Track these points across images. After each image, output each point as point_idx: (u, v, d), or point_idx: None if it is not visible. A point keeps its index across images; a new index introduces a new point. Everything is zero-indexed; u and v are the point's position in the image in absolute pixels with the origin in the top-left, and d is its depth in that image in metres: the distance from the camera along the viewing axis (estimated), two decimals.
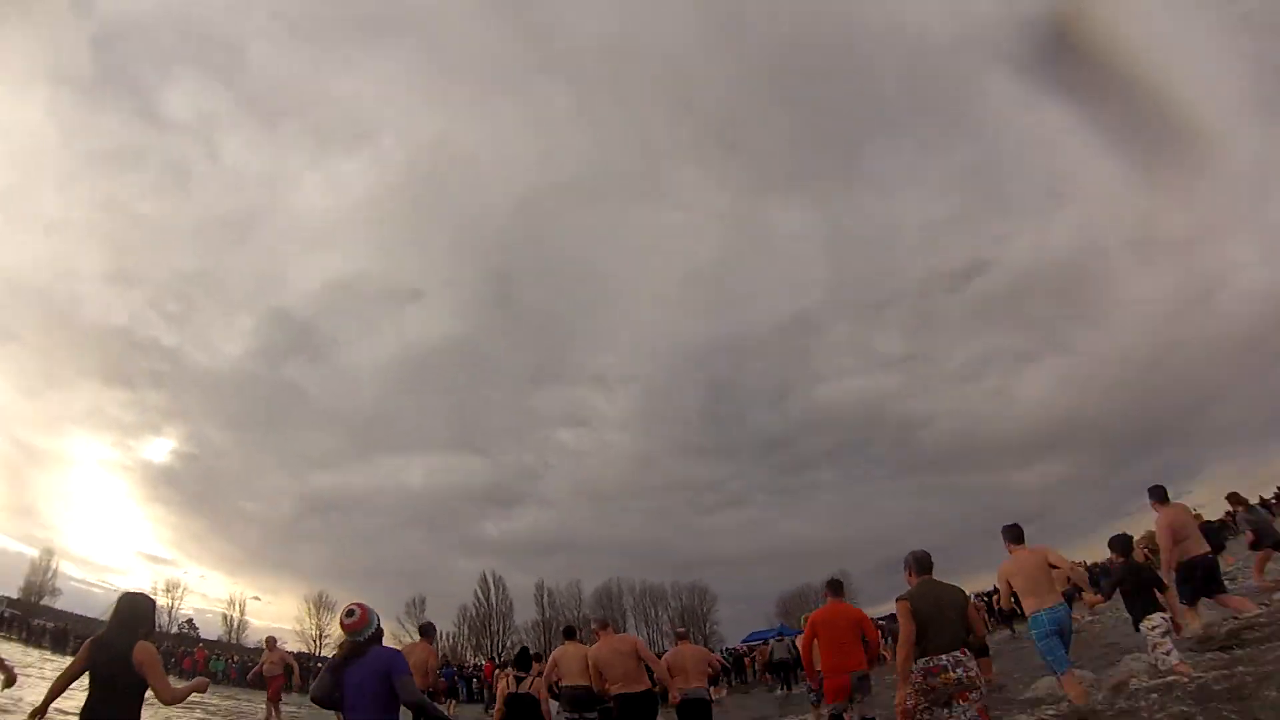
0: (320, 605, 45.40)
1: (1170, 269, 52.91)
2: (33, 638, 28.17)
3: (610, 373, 63.35)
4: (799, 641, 8.41)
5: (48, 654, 23.22)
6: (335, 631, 44.92)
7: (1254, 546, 9.68)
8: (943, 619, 4.65)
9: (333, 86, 63.01)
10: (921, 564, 5.00)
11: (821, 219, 65.38)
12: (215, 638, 41.30)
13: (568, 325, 67.23)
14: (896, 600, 4.96)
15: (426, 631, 8.72)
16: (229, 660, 30.55)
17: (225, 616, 44.47)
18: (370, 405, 61.51)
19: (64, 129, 52.30)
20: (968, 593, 5.34)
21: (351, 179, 63.48)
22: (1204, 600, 7.55)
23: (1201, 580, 7.37)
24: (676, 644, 8.04)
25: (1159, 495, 7.68)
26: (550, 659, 7.30)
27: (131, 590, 4.30)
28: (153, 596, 4.42)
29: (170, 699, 4.00)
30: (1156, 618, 6.07)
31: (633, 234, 66.72)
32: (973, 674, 4.50)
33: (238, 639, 43.48)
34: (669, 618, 47.04)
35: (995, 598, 16.75)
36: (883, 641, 12.16)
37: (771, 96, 64.50)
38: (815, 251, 64.31)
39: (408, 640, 37.22)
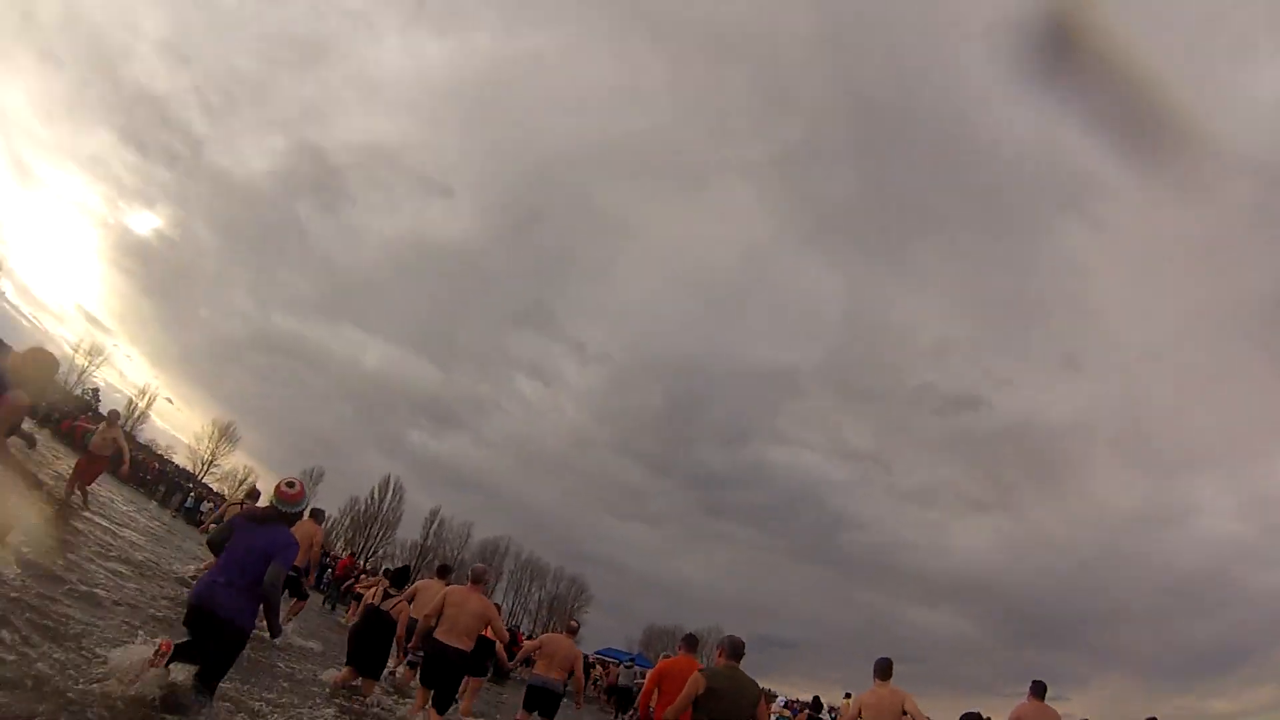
0: (224, 434, 45.30)
1: (1144, 483, 54.19)
2: None
3: (590, 345, 63.84)
4: (647, 676, 8.05)
5: None
6: (225, 462, 44.66)
7: None
8: (731, 706, 4.69)
9: None
10: (735, 650, 5.03)
11: (849, 287, 65.90)
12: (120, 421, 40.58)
13: (570, 282, 66.86)
14: (697, 673, 4.93)
15: (316, 514, 9.37)
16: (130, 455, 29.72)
17: (130, 401, 43.89)
18: (359, 273, 61.43)
19: None
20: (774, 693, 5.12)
21: (433, 56, 62.85)
22: None
23: None
24: (563, 632, 8.11)
25: (1038, 690, 7.59)
26: (414, 587, 7.28)
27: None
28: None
29: None
30: None
31: (669, 221, 66.96)
32: None
33: (131, 427, 42.93)
34: (540, 598, 47.34)
35: (820, 713, 17.09)
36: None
37: (851, 155, 64.76)
38: (829, 316, 64.97)
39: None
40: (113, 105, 51.23)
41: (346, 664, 7.04)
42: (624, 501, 61.46)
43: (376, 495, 46.97)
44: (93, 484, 10.91)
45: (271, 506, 4.28)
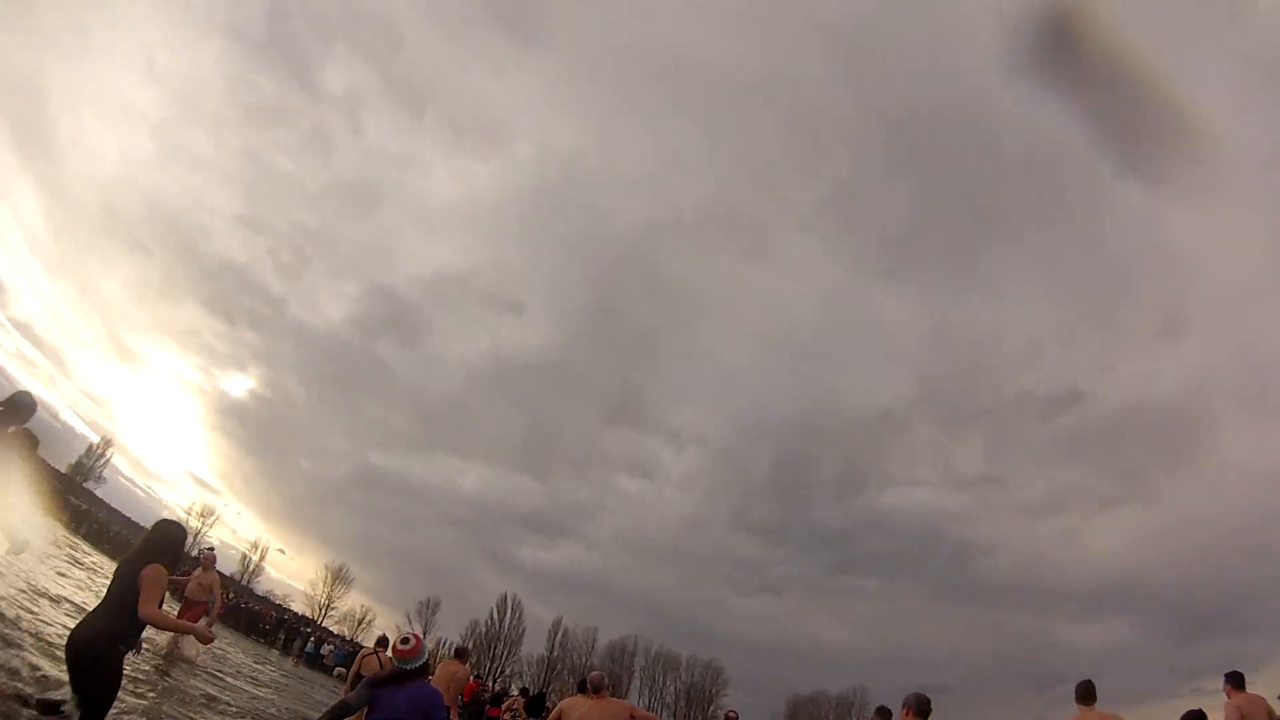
0: (337, 576, 45.39)
1: None
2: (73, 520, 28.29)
3: (685, 429, 63.46)
4: None
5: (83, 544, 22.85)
6: (342, 605, 44.50)
7: None
8: None
9: (479, 85, 66.96)
10: (921, 707, 5.00)
11: (928, 313, 64.10)
12: (229, 573, 41.15)
13: (654, 369, 67.10)
14: None
15: (462, 654, 9.59)
16: (225, 593, 29.26)
17: (244, 556, 44.50)
18: (447, 401, 63.08)
19: (228, 80, 57.80)
20: None
21: (481, 178, 66.77)
22: None
23: None
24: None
25: (1236, 681, 7.26)
26: (557, 709, 6.87)
27: (169, 519, 4.56)
28: (186, 528, 4.61)
29: (146, 614, 3.92)
30: None
31: (737, 289, 67.42)
32: None
33: (248, 580, 43.69)
34: (676, 689, 44.67)
35: None
36: None
37: (901, 178, 63.71)
38: (915, 346, 63.08)
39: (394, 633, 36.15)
40: (198, 280, 55.90)
41: None
42: (745, 576, 58.71)
43: (496, 615, 45.85)
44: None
45: (394, 668, 4.31)
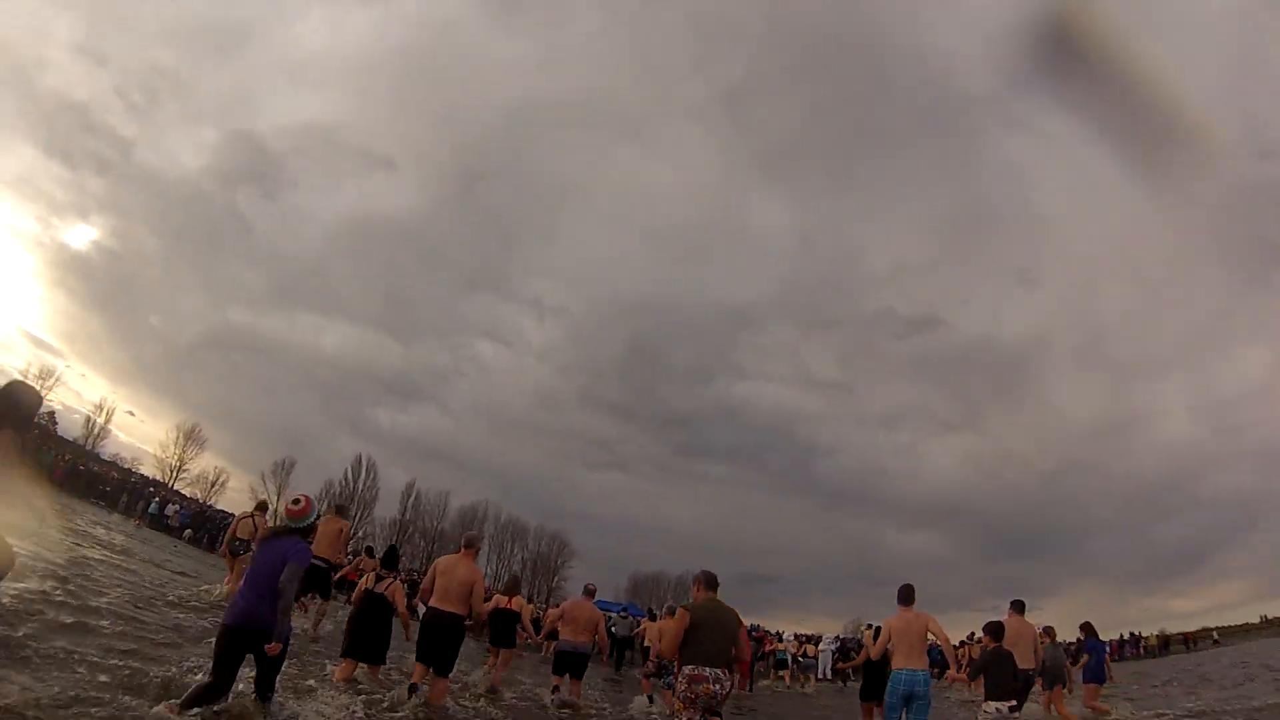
0: (189, 437, 44.03)
1: (1102, 389, 56.07)
2: None
3: (546, 299, 62.81)
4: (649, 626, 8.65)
5: None
6: (194, 467, 43.60)
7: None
8: (716, 636, 5.09)
9: None
10: (710, 582, 5.47)
11: (800, 218, 64.71)
12: (71, 438, 39.47)
13: (520, 239, 66.44)
14: (680, 608, 5.47)
15: (341, 510, 10.12)
16: (59, 456, 28.77)
17: (89, 420, 42.38)
18: (309, 258, 59.85)
19: None
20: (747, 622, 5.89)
21: (359, 28, 61.14)
22: None
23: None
24: (581, 598, 8.87)
25: (1017, 607, 8.57)
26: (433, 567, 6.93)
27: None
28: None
29: None
30: (994, 706, 6.32)
31: (613, 171, 65.83)
32: (725, 690, 5.01)
33: (93, 446, 41.75)
34: (523, 558, 47.42)
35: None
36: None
37: (788, 79, 63.73)
38: (782, 248, 64.48)
39: (262, 496, 36.80)
40: (33, 118, 48.60)
41: (344, 656, 6.67)
42: (596, 452, 61.65)
43: (350, 476, 45.89)
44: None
45: (283, 525, 4.55)
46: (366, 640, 6.68)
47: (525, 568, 46.64)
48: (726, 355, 64.14)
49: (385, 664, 6.99)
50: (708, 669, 4.95)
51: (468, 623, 6.77)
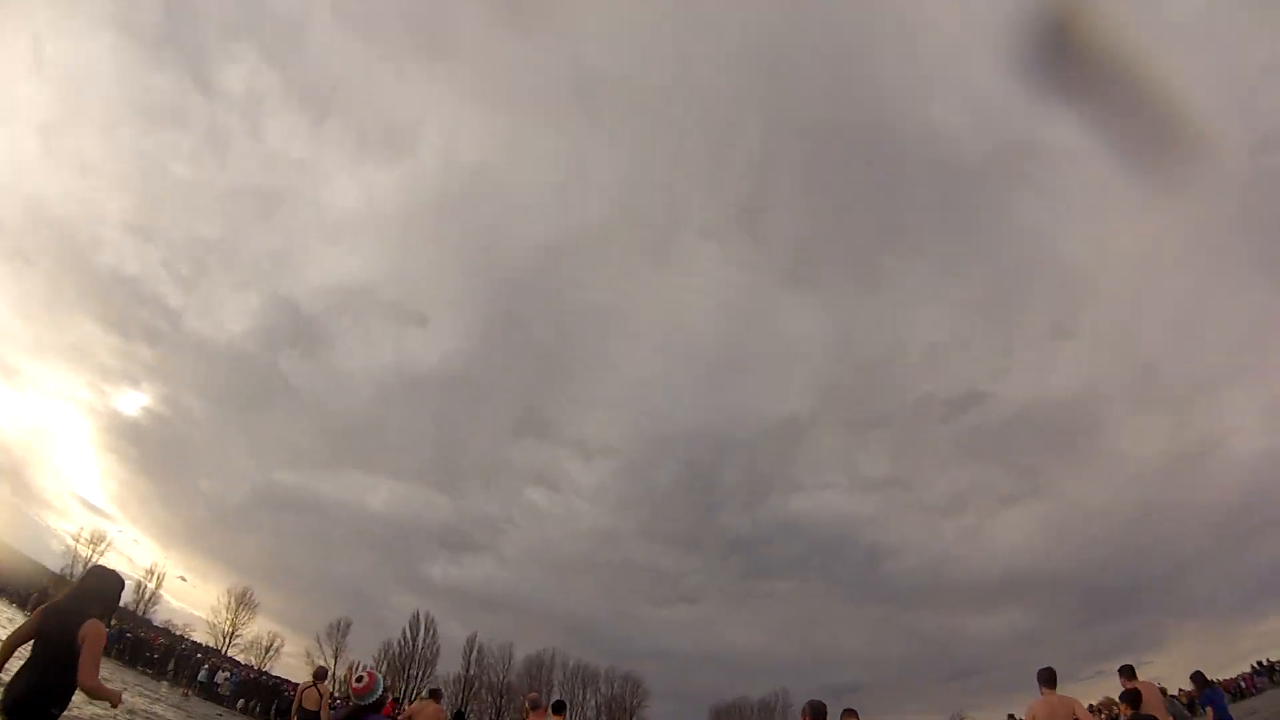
0: (241, 601, 43.21)
1: (1166, 424, 52.13)
2: None
3: (592, 440, 63.61)
4: None
5: None
6: (247, 632, 42.34)
7: None
8: None
9: (383, 92, 65.48)
10: (817, 713, 5.66)
11: (831, 323, 65.48)
12: (122, 604, 38.45)
13: (561, 382, 66.31)
14: None
15: (435, 694, 9.72)
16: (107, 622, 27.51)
17: (139, 585, 41.78)
18: (353, 416, 61.06)
19: (120, 77, 54.81)
20: None
21: (384, 188, 64.83)
22: None
23: None
24: None
25: (1127, 673, 8.09)
26: (407, 713, 7.22)
27: (105, 566, 4.43)
28: (122, 578, 4.38)
29: (88, 684, 3.75)
30: None
31: (641, 300, 67.68)
32: None
33: (144, 611, 41.12)
34: (596, 702, 44.64)
35: None
36: None
37: (804, 189, 65.31)
38: (818, 353, 64.34)
39: (319, 661, 34.93)
40: (87, 292, 52.22)
41: None
42: (660, 587, 58.64)
43: (409, 634, 44.45)
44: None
45: (355, 706, 4.41)
46: None
47: (600, 713, 43.33)
48: (779, 470, 62.40)
49: None
50: None
51: None
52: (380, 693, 4.57)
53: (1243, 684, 28.06)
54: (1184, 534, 46.96)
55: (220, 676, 23.93)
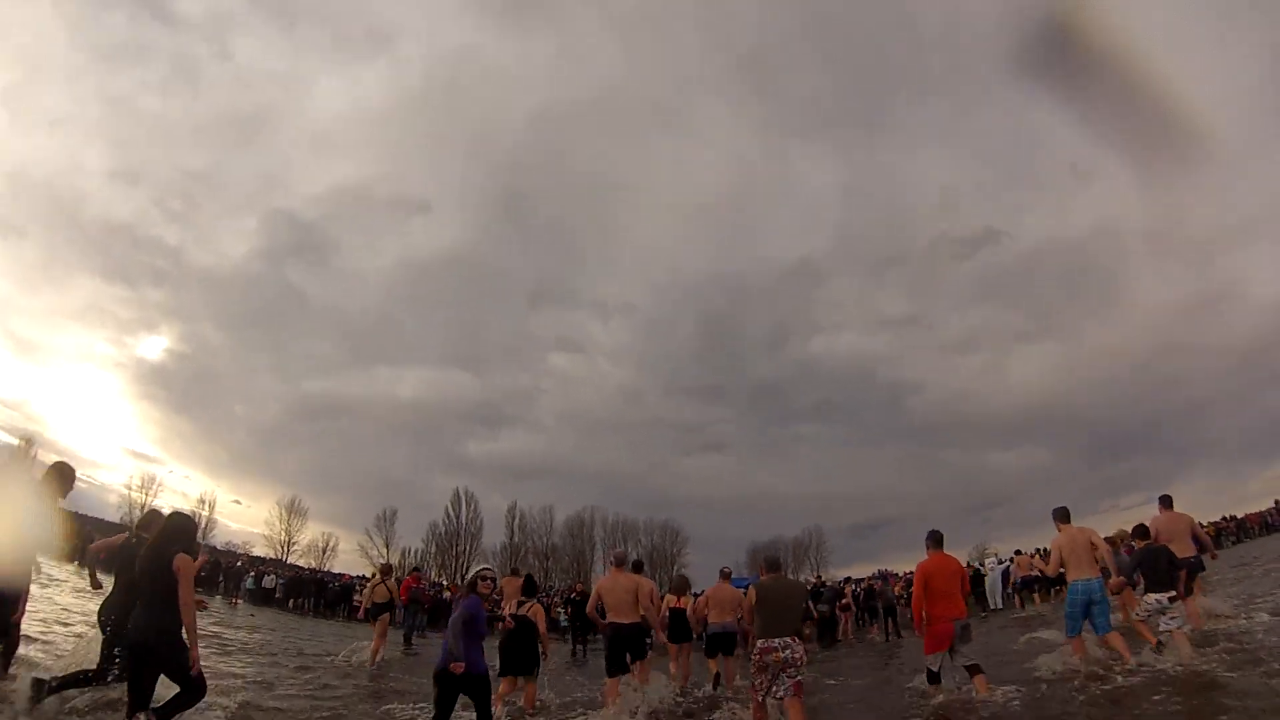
0: (292, 510, 44.19)
1: (1184, 268, 51.07)
2: None
3: (610, 300, 63.26)
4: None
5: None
6: (303, 538, 43.27)
7: None
8: (783, 610, 5.80)
9: None
10: (771, 564, 6.27)
11: (842, 167, 63.54)
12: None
13: (573, 248, 65.36)
14: (751, 587, 6.25)
15: (637, 566, 9.53)
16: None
17: (193, 515, 42.23)
18: (370, 314, 60.73)
19: (72, 25, 52.18)
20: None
21: (367, 85, 61.48)
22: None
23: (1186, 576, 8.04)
24: (719, 582, 9.33)
25: (1166, 503, 8.79)
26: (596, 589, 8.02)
27: (178, 510, 5.62)
28: (194, 517, 5.78)
29: (189, 603, 4.48)
30: (1154, 597, 7.07)
31: (649, 161, 65.27)
32: (797, 655, 5.63)
33: (204, 538, 41.70)
34: (638, 553, 46.09)
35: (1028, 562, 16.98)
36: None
37: (807, 36, 61.89)
38: (830, 199, 62.73)
39: (371, 551, 35.48)
40: (85, 248, 50.74)
41: (501, 675, 7.13)
42: (689, 438, 59.63)
43: (451, 512, 45.79)
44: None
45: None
46: (518, 658, 7.23)
47: (644, 563, 44.88)
48: (798, 314, 61.62)
49: (537, 677, 7.46)
50: (776, 640, 5.60)
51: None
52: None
53: (1269, 519, 29.40)
54: (1196, 377, 46.83)
55: (268, 580, 24.12)
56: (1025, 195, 59.66)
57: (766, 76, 62.09)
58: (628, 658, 7.34)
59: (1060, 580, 9.64)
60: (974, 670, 6.41)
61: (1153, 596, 7.01)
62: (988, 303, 56.92)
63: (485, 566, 5.67)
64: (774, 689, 5.53)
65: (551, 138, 63.39)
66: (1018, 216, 58.60)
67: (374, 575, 14.28)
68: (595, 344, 60.26)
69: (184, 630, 4.42)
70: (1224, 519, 28.84)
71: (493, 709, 5.43)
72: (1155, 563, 7.20)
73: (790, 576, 5.77)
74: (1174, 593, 7.03)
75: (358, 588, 24.55)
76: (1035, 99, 57.08)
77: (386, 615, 11.54)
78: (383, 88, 60.18)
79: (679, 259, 64.09)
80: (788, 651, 5.55)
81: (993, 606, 18.05)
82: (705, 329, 60.85)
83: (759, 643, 5.65)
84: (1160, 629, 6.91)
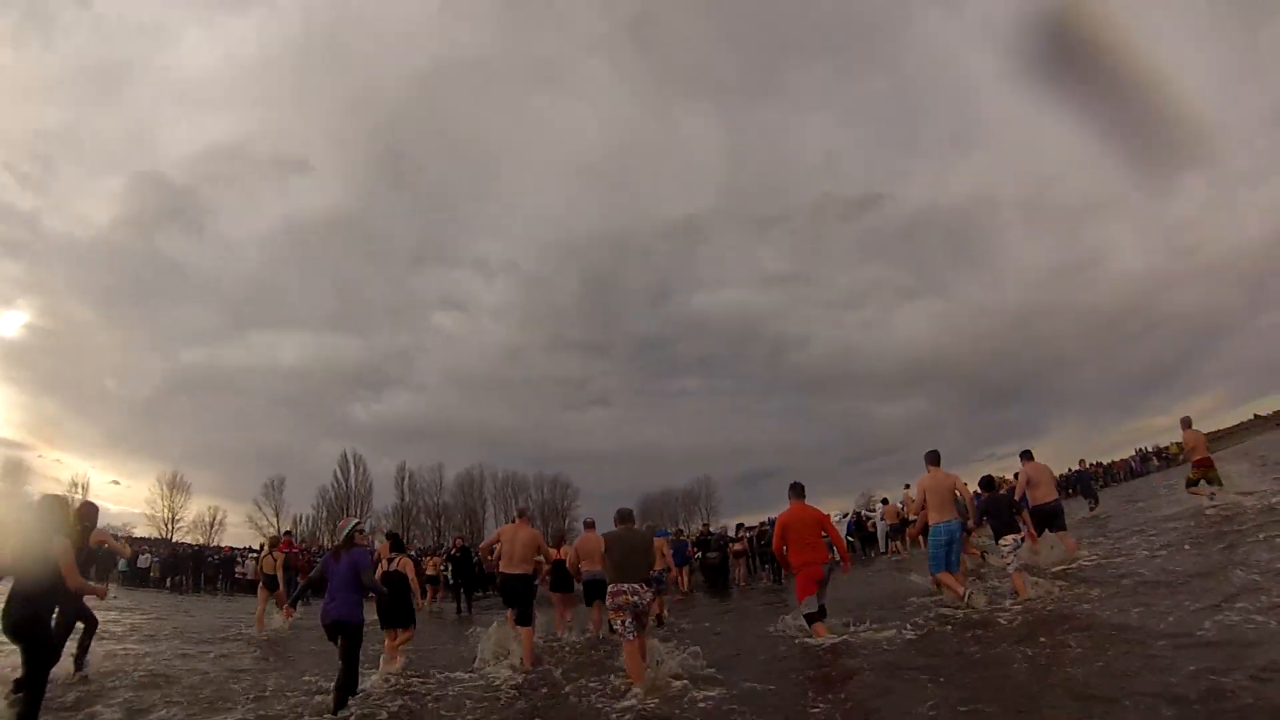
0: (174, 487, 42.32)
1: (1055, 235, 56.77)
2: None
3: (493, 258, 62.84)
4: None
5: None
6: (186, 515, 41.75)
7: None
8: (630, 558, 6.23)
9: None
10: (622, 516, 6.65)
11: (725, 126, 64.82)
12: None
13: (456, 207, 65.02)
14: (602, 535, 6.86)
15: (527, 516, 9.85)
16: None
17: (69, 500, 39.40)
18: (248, 279, 57.76)
19: None
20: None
21: (240, 37, 57.44)
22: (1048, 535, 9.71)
23: (1046, 519, 9.67)
24: (584, 533, 9.64)
25: (1027, 456, 10.07)
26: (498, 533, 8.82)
27: (51, 493, 5.39)
28: (61, 497, 5.41)
29: (75, 585, 4.75)
30: (1010, 538, 7.71)
31: (532, 120, 63.76)
32: (645, 600, 6.12)
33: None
34: (530, 506, 47.58)
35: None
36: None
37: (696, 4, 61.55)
38: (715, 160, 63.91)
39: (260, 522, 34.69)
40: None
41: (383, 629, 7.69)
42: (574, 394, 60.93)
43: (340, 476, 45.44)
44: None
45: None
46: (395, 612, 7.70)
47: (533, 518, 46.42)
48: (681, 270, 63.50)
49: (415, 626, 8.02)
50: (625, 585, 6.08)
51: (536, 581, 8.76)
52: (349, 531, 6.08)
53: (1134, 465, 33.06)
54: (1064, 336, 52.14)
55: (143, 560, 23.79)
56: (908, 162, 63.53)
57: (652, 37, 62.36)
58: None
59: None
60: (813, 618, 6.83)
61: (1008, 539, 7.64)
62: (872, 262, 60.43)
63: (354, 520, 6.28)
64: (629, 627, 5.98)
65: (434, 96, 61.62)
66: (901, 181, 62.33)
67: (263, 546, 14.79)
68: (478, 303, 60.52)
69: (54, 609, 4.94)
70: (1094, 464, 31.05)
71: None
72: (998, 510, 7.88)
73: (638, 528, 6.72)
74: (1021, 534, 7.87)
75: (239, 559, 24.63)
76: (920, 69, 59.87)
77: (278, 587, 11.97)
78: (254, 40, 56.61)
79: (563, 217, 64.15)
80: (635, 596, 6.02)
81: (883, 551, 19.31)
82: (588, 286, 61.82)
83: (610, 587, 6.14)
84: (1011, 567, 7.46)
